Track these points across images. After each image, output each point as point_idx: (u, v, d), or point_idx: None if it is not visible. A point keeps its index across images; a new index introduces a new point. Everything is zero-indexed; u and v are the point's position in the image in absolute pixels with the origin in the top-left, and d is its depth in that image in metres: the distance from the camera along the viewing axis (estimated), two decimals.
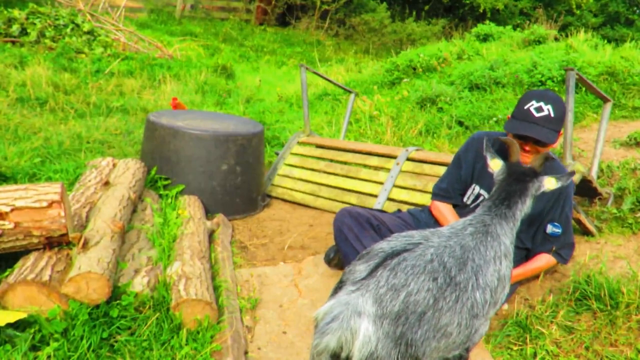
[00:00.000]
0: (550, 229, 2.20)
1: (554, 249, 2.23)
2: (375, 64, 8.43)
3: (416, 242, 1.51)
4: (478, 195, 2.31)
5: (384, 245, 1.51)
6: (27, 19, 7.21)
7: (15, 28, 7.07)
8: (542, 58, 5.94)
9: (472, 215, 1.72)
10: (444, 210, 2.39)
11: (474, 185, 2.33)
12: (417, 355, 1.38)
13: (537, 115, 1.99)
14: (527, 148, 2.04)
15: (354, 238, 2.43)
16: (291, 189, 3.76)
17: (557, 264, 2.30)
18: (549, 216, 2.21)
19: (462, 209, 2.37)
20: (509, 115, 2.17)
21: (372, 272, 1.41)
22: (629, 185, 3.15)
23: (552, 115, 1.98)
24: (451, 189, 2.40)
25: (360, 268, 1.45)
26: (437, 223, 2.42)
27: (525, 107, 2.02)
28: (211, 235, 2.84)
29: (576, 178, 2.59)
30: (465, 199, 2.36)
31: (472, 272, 1.50)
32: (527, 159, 2.05)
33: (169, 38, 9.79)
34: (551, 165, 2.19)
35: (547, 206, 2.20)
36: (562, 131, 2.12)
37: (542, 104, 2.00)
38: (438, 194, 2.43)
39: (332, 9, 13.73)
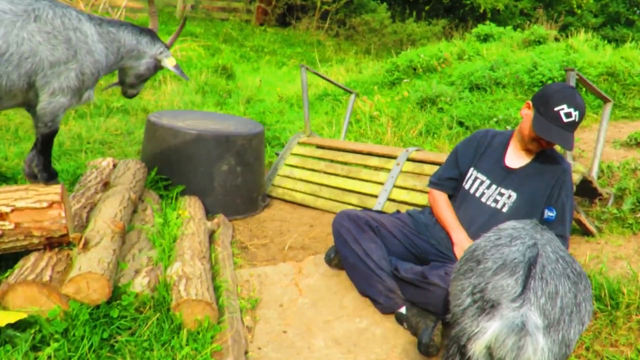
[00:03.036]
0: (546, 213, 2.21)
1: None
2: (376, 64, 8.43)
3: (532, 243, 1.53)
4: (475, 179, 2.35)
5: (516, 255, 1.49)
6: None
7: None
8: (543, 58, 5.94)
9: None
10: (439, 198, 2.45)
11: (472, 169, 2.37)
12: (570, 351, 1.45)
13: (565, 120, 2.07)
14: (544, 144, 2.18)
15: (352, 240, 2.44)
16: (291, 190, 3.76)
17: None
18: (546, 202, 2.22)
19: (462, 194, 2.39)
20: (529, 102, 2.20)
21: (525, 285, 1.41)
22: (629, 186, 3.15)
23: (577, 120, 2.08)
24: (445, 179, 2.46)
25: (507, 283, 1.43)
26: (437, 223, 2.42)
27: (556, 109, 2.07)
28: (211, 235, 2.85)
29: (576, 178, 2.60)
30: (464, 184, 2.39)
31: (572, 258, 1.57)
32: (536, 148, 2.21)
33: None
34: (550, 155, 2.27)
35: (545, 192, 2.21)
36: None
37: (572, 110, 2.06)
38: (433, 182, 2.51)
39: (333, 10, 13.72)
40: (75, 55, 2.03)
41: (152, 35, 2.32)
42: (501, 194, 2.27)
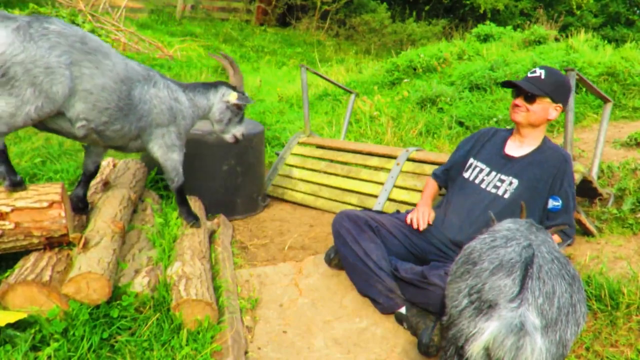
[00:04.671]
0: (550, 203, 2.23)
1: (566, 225, 2.19)
2: (376, 64, 8.43)
3: (527, 243, 1.53)
4: (475, 167, 2.40)
5: (513, 255, 1.49)
6: None
7: None
8: (543, 58, 5.94)
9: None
10: (429, 185, 2.66)
11: (471, 159, 2.44)
12: (567, 351, 1.45)
13: (529, 75, 2.26)
14: (517, 103, 2.29)
15: (352, 240, 2.44)
16: (291, 190, 3.76)
17: (563, 244, 2.26)
18: (550, 192, 2.24)
19: (461, 182, 2.43)
20: None
21: (523, 285, 1.40)
22: (629, 186, 3.15)
23: (542, 77, 2.22)
24: (442, 172, 2.64)
25: (505, 283, 1.43)
26: (435, 226, 2.42)
27: (527, 75, 2.29)
28: (212, 235, 2.84)
29: (576, 178, 2.60)
30: (463, 173, 2.44)
31: (567, 259, 1.56)
32: (518, 115, 2.29)
33: (170, 38, 9.78)
34: (550, 146, 2.32)
35: (547, 180, 2.23)
36: (561, 105, 2.28)
37: (537, 69, 2.26)
38: (433, 172, 2.70)
39: (333, 10, 13.72)
40: (173, 120, 2.42)
41: (216, 85, 2.61)
42: (501, 180, 2.29)
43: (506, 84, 2.34)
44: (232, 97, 2.58)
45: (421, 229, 2.41)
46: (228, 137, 2.71)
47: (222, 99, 2.59)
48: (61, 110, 2.02)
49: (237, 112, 2.64)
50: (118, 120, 2.19)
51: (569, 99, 2.37)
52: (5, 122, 1.88)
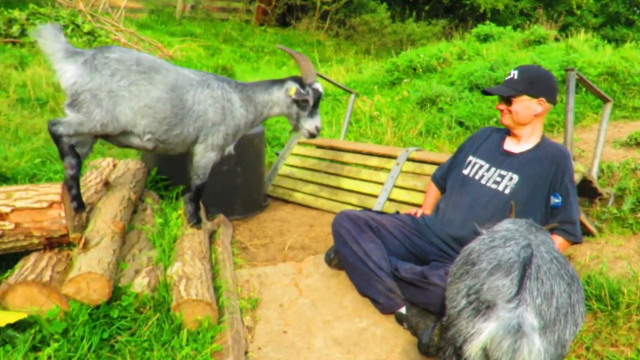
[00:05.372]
0: (552, 200, 2.23)
1: (556, 223, 2.18)
2: (376, 64, 8.43)
3: (526, 243, 1.53)
4: (474, 164, 2.42)
5: (511, 255, 1.49)
6: (27, 19, 7.20)
7: (15, 29, 7.05)
8: (543, 58, 5.94)
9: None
10: (431, 191, 2.71)
11: (470, 156, 2.47)
12: (566, 352, 1.45)
13: (505, 79, 2.35)
14: (499, 107, 2.36)
15: (352, 241, 2.44)
16: (291, 190, 3.76)
17: (569, 243, 2.26)
18: (550, 189, 2.24)
19: (461, 179, 2.44)
20: None
21: (521, 285, 1.40)
22: (629, 186, 3.15)
23: (515, 78, 2.29)
24: (441, 177, 2.66)
25: (503, 283, 1.42)
26: (436, 224, 2.43)
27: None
28: (212, 235, 2.84)
29: (576, 178, 2.60)
30: (463, 170, 2.45)
31: (565, 259, 1.57)
32: (504, 119, 2.35)
33: (170, 38, 9.78)
34: (549, 143, 2.34)
35: (548, 176, 2.23)
36: (543, 99, 2.28)
37: (512, 70, 2.34)
38: (435, 178, 2.72)
39: (333, 10, 13.71)
40: (224, 119, 2.49)
41: (282, 80, 2.59)
42: (501, 176, 2.30)
43: (485, 93, 2.44)
44: (291, 91, 2.51)
45: (412, 213, 2.59)
46: (303, 132, 2.62)
47: (286, 93, 2.55)
48: (131, 130, 2.31)
49: (305, 105, 2.54)
50: (176, 125, 2.38)
51: (553, 90, 2.31)
52: (74, 127, 2.21)
